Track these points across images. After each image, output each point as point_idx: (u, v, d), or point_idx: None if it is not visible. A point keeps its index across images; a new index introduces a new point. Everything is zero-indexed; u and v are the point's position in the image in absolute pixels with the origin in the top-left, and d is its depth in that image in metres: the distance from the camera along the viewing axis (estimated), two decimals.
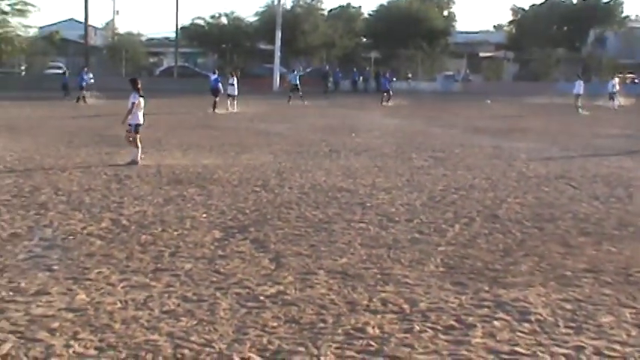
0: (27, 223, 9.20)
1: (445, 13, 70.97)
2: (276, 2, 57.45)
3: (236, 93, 32.59)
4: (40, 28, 67.35)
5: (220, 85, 32.15)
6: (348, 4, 70.75)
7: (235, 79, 33.39)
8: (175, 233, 8.77)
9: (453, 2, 74.99)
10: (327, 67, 60.04)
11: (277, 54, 55.84)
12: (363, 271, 7.27)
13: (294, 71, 41.52)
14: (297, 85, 39.55)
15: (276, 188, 12.10)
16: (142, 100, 14.94)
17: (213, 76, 33.14)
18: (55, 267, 7.22)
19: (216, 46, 64.24)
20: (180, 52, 66.18)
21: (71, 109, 32.42)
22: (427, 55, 61.31)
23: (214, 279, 6.92)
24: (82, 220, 9.44)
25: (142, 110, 15.05)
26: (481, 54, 70.29)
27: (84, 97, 36.16)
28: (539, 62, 60.11)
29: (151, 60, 70.44)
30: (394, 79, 55.36)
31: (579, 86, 35.21)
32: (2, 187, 11.82)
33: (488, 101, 41.40)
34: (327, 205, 10.67)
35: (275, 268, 7.32)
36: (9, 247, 7.99)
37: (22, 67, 60.10)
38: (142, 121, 15.01)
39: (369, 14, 68.81)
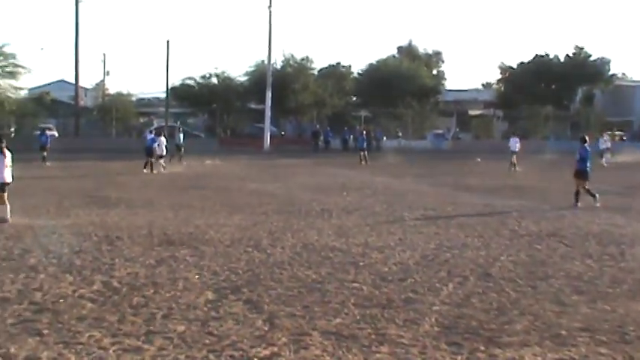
0: (16, 286, 9.10)
1: (434, 71, 71.92)
2: (266, 62, 58.09)
3: (165, 153, 32.79)
4: (31, 89, 67.73)
5: (157, 145, 32.07)
6: (338, 63, 71.58)
7: (164, 138, 33.55)
8: (168, 295, 8.69)
9: (442, 61, 76.20)
10: (318, 126, 60.51)
11: (268, 113, 56.29)
12: (357, 331, 7.21)
13: (180, 130, 42.25)
14: (179, 145, 38.90)
15: (268, 248, 12.06)
16: (8, 157, 14.94)
17: (150, 136, 33.05)
18: (45, 331, 7.13)
19: (207, 105, 64.50)
20: (171, 112, 66.56)
21: (60, 170, 32.42)
22: (417, 114, 61.86)
23: (207, 341, 6.84)
24: (72, 282, 9.36)
25: (9, 168, 15.03)
26: (470, 112, 71.03)
27: (44, 157, 36.54)
28: (528, 120, 60.73)
29: (142, 120, 70.64)
30: (384, 137, 55.98)
31: (515, 143, 35.20)
32: None
33: (479, 159, 41.69)
34: (320, 265, 10.62)
35: (269, 329, 7.25)
36: None
37: (12, 129, 59.98)
38: (8, 180, 15.00)
39: (359, 73, 69.61)
